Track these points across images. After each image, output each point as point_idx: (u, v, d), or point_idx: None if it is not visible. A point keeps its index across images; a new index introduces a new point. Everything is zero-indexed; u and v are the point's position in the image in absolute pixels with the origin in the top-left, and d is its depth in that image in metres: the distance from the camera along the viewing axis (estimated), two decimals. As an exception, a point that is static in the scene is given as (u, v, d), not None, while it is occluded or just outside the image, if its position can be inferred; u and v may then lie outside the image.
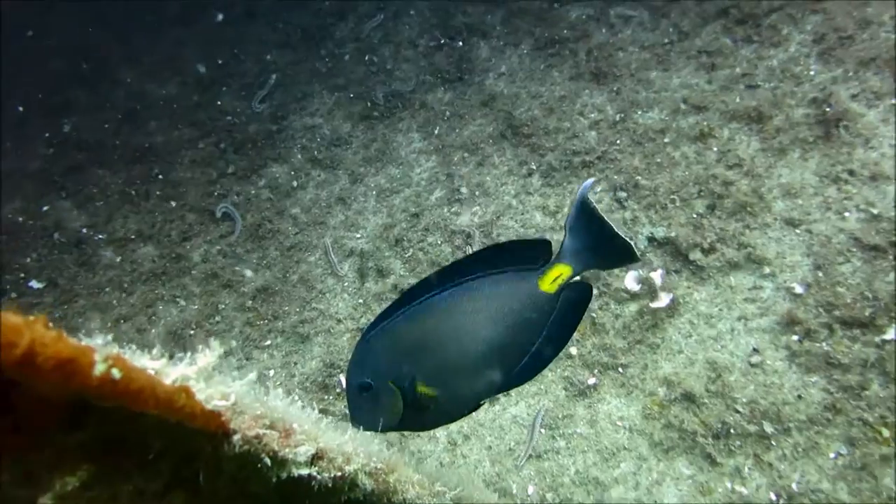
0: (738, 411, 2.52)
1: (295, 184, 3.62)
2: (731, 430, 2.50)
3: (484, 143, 3.49)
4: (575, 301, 1.56)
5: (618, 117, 3.30)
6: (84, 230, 3.65)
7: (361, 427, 1.50)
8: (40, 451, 0.85)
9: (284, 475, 0.99)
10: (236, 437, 0.91)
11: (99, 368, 0.71)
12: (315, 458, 1.03)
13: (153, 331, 3.22)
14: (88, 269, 3.50)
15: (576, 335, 2.88)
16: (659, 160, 3.10)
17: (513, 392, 2.83)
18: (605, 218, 1.48)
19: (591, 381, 2.78)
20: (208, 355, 0.86)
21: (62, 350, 0.68)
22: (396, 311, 1.53)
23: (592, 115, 3.36)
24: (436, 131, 3.63)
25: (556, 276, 1.52)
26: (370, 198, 3.49)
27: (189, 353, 0.91)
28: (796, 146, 2.93)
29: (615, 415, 2.71)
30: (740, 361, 2.62)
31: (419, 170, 3.52)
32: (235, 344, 3.12)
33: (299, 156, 3.73)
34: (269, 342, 3.11)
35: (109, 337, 0.84)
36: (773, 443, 2.45)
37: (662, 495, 2.52)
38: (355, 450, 1.11)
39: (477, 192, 3.34)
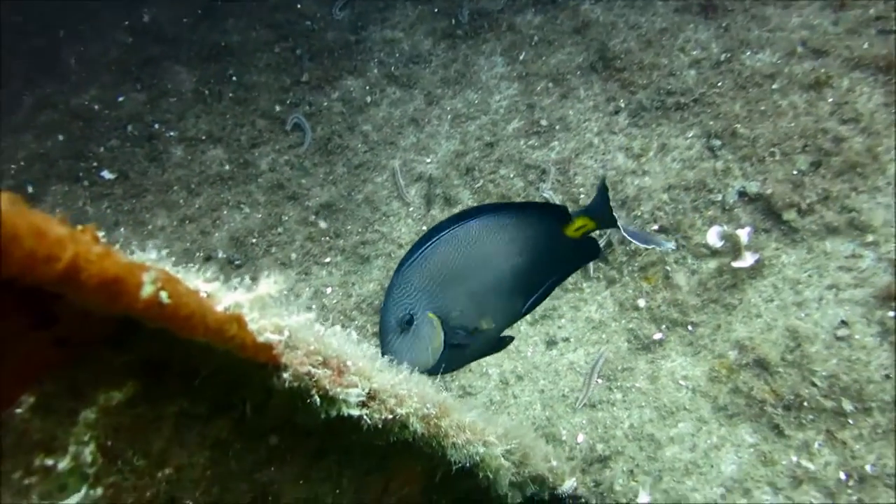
0: (815, 384, 2.36)
1: (369, 99, 3.49)
2: (805, 404, 2.35)
3: (571, 74, 3.27)
4: (586, 252, 1.72)
5: (723, 57, 3.02)
6: (156, 125, 3.63)
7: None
8: (85, 366, 0.79)
9: (334, 413, 0.93)
10: (287, 374, 0.85)
11: (146, 291, 0.63)
12: (367, 399, 0.97)
13: (216, 235, 3.22)
14: (158, 166, 3.50)
15: (647, 287, 2.74)
16: (763, 108, 2.83)
17: (572, 338, 2.74)
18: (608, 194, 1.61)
19: (657, 336, 2.66)
20: (268, 286, 0.77)
21: (108, 268, 0.59)
22: (429, 241, 1.55)
23: (694, 53, 3.08)
24: (521, 57, 3.41)
25: (581, 225, 1.64)
26: (444, 122, 3.34)
27: (247, 279, 0.82)
28: (926, 105, 2.63)
29: (679, 373, 2.59)
30: (825, 333, 2.44)
31: (499, 97, 3.34)
32: (295, 257, 3.09)
33: (376, 70, 3.58)
34: (328, 259, 3.06)
35: (164, 252, 0.76)
36: (851, 421, 2.30)
37: (720, 460, 2.41)
38: (409, 392, 1.06)
39: (557, 127, 3.15)
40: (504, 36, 3.51)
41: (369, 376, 0.98)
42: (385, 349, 1.54)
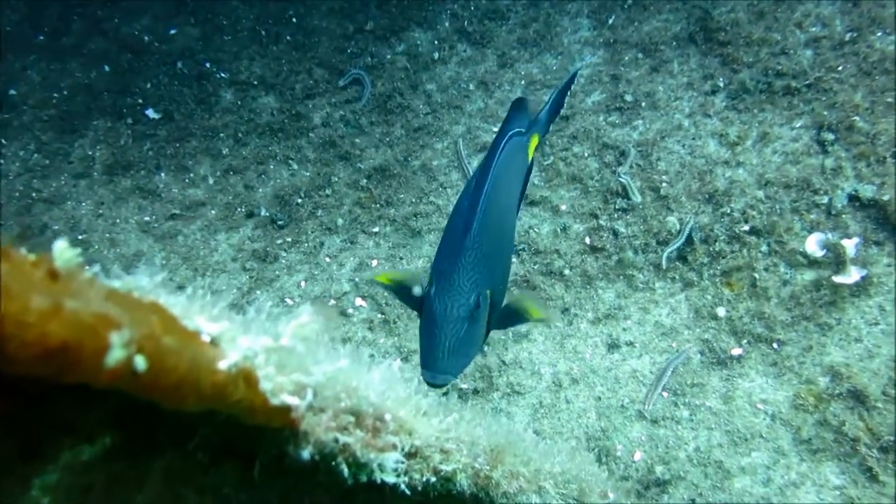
0: (920, 428, 2.07)
1: (436, 56, 3.18)
2: (906, 448, 2.07)
3: (665, 45, 2.92)
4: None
5: (847, 36, 2.65)
6: (207, 64, 3.40)
7: (461, 363, 1.34)
8: (42, 419, 0.56)
9: (364, 479, 0.77)
10: (308, 446, 0.61)
11: (114, 357, 0.41)
12: (407, 458, 0.81)
13: (261, 190, 3.00)
14: (206, 109, 3.27)
15: (729, 294, 2.44)
16: (890, 100, 2.48)
17: (637, 343, 2.46)
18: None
19: (736, 351, 2.38)
20: (294, 331, 0.52)
21: (54, 332, 0.37)
22: (478, 204, 1.43)
23: (814, 30, 2.71)
24: (610, 21, 3.06)
25: (535, 145, 1.64)
26: (517, 87, 3.03)
27: (267, 306, 0.58)
28: None
29: (757, 395, 2.31)
30: (937, 369, 2.13)
31: (580, 64, 3.01)
32: (342, 223, 2.84)
33: (447, 24, 3.27)
34: (377, 229, 2.81)
35: (158, 278, 0.51)
36: (961, 476, 2.01)
37: (798, 500, 2.14)
38: (458, 442, 0.89)
39: (643, 104, 2.82)
40: (593, -5, 3.16)
41: (411, 430, 0.81)
42: (451, 340, 1.29)
